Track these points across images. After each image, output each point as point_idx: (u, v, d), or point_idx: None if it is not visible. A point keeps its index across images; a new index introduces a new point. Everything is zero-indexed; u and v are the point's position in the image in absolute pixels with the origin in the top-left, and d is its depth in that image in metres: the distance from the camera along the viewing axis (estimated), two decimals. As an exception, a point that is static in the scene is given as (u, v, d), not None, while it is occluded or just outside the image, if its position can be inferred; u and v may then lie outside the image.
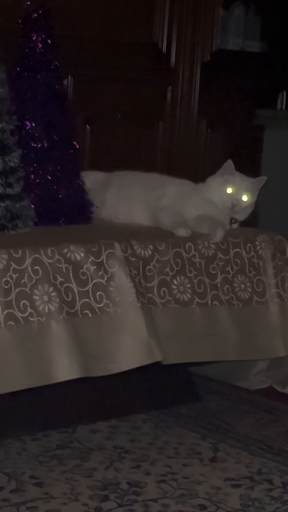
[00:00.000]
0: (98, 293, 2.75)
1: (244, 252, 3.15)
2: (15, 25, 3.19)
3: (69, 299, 2.69)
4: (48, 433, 3.00)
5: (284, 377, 3.50)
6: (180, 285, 2.96)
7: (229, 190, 3.16)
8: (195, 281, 3.00)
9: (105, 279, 2.77)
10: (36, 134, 3.14)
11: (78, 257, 2.75)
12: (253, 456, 2.92)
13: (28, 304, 2.61)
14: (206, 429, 3.13)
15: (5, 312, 2.56)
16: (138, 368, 2.79)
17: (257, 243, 3.18)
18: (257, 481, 2.74)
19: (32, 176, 3.11)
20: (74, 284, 2.71)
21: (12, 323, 2.56)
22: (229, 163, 3.20)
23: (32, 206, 3.03)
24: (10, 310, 2.57)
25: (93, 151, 4.23)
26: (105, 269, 2.78)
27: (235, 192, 3.16)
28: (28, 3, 3.17)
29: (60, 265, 2.70)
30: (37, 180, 3.12)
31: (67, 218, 3.15)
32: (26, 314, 2.60)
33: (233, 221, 3.22)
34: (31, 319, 2.60)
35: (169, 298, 2.92)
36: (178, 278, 2.96)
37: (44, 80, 3.18)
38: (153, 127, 4.57)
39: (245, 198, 3.17)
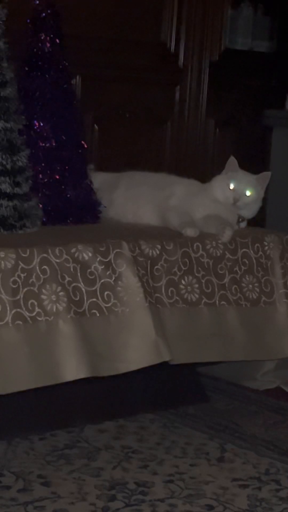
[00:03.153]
0: (106, 293, 2.75)
1: (252, 252, 3.14)
2: (23, 24, 3.19)
3: (77, 299, 2.69)
4: (56, 433, 3.00)
5: (292, 377, 3.50)
6: (188, 285, 2.96)
7: (231, 186, 3.15)
8: (203, 281, 3.00)
9: (113, 278, 2.77)
10: (44, 134, 3.14)
11: (86, 257, 2.75)
12: (261, 456, 2.92)
13: (36, 303, 2.61)
14: (214, 429, 3.13)
15: (13, 311, 2.56)
16: (146, 368, 2.79)
17: (265, 243, 3.18)
18: (265, 481, 2.74)
19: (40, 176, 3.11)
20: (82, 283, 2.72)
21: (20, 322, 2.57)
22: (232, 159, 3.20)
23: (40, 205, 3.03)
24: (18, 310, 2.57)
25: (101, 150, 4.23)
26: (113, 269, 2.78)
27: (237, 187, 3.15)
28: (37, 2, 3.17)
29: (68, 265, 2.70)
30: (45, 180, 3.12)
31: (75, 218, 3.15)
32: (34, 314, 2.60)
33: (240, 219, 3.21)
34: (39, 318, 2.60)
35: (177, 298, 2.92)
36: (186, 278, 2.96)
37: (52, 80, 3.18)
38: (161, 127, 4.57)
39: (248, 193, 3.16)
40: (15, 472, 2.70)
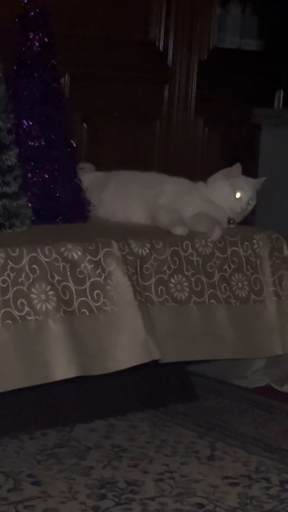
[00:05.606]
0: (95, 292, 2.75)
1: (241, 250, 3.15)
2: (12, 23, 3.19)
3: (66, 298, 2.69)
4: (46, 432, 3.00)
5: (282, 375, 3.50)
6: (178, 284, 2.96)
7: (238, 195, 3.15)
8: (193, 279, 3.00)
9: (103, 277, 2.77)
10: (33, 133, 3.14)
11: (76, 256, 2.75)
12: (251, 454, 2.92)
13: (25, 302, 2.61)
14: (204, 427, 3.13)
15: (3, 311, 2.56)
16: (136, 367, 2.79)
17: (254, 241, 3.18)
18: (255, 479, 2.74)
19: (29, 175, 3.11)
20: (71, 282, 2.71)
21: (10, 321, 2.56)
22: (238, 166, 3.17)
23: (29, 204, 3.02)
24: (8, 309, 2.57)
25: (90, 149, 4.23)
26: (103, 268, 2.78)
27: (244, 197, 3.15)
28: (25, 1, 3.17)
29: (57, 264, 2.70)
30: (34, 179, 3.12)
31: (64, 217, 3.15)
32: (23, 313, 2.60)
33: (231, 221, 3.22)
34: (29, 317, 2.60)
35: (167, 296, 2.92)
36: (175, 276, 2.96)
37: (41, 79, 3.18)
38: (150, 126, 4.58)
39: (250, 201, 3.17)
40: (5, 472, 2.70)
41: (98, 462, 2.80)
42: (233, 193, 3.15)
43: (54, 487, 2.61)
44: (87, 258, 2.76)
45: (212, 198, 3.17)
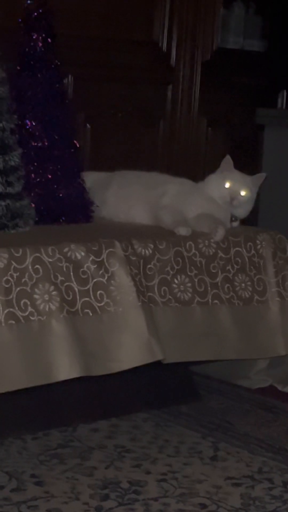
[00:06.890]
0: (98, 292, 2.75)
1: (244, 251, 3.15)
2: (15, 24, 3.19)
3: (69, 298, 2.69)
4: (49, 432, 3.00)
5: (285, 376, 3.50)
6: (181, 284, 2.96)
7: (227, 185, 3.18)
8: (196, 280, 3.00)
9: (106, 278, 2.77)
10: (37, 133, 3.14)
11: (79, 256, 2.75)
12: (254, 455, 2.92)
13: (28, 303, 2.61)
14: (207, 428, 3.13)
15: (6, 311, 2.56)
16: (139, 367, 2.79)
17: (257, 242, 3.19)
18: (258, 480, 2.74)
19: (33, 175, 3.11)
20: (74, 283, 2.72)
21: (13, 322, 2.56)
22: (228, 159, 3.22)
23: (33, 205, 3.03)
24: (11, 309, 2.57)
25: (94, 150, 4.24)
26: (106, 268, 2.78)
27: (233, 186, 3.17)
28: (29, 2, 3.17)
29: (60, 264, 2.70)
30: (38, 179, 3.12)
31: (67, 217, 3.15)
32: (26, 313, 2.60)
33: (233, 219, 3.22)
34: (32, 318, 2.60)
35: (170, 297, 2.93)
36: (178, 277, 2.96)
37: (44, 79, 3.18)
38: (154, 126, 4.58)
39: (243, 192, 3.18)
40: (8, 472, 2.70)
41: (101, 463, 2.80)
42: (223, 183, 3.17)
43: (57, 487, 2.61)
44: (90, 259, 2.76)
45: (207, 192, 3.19)
